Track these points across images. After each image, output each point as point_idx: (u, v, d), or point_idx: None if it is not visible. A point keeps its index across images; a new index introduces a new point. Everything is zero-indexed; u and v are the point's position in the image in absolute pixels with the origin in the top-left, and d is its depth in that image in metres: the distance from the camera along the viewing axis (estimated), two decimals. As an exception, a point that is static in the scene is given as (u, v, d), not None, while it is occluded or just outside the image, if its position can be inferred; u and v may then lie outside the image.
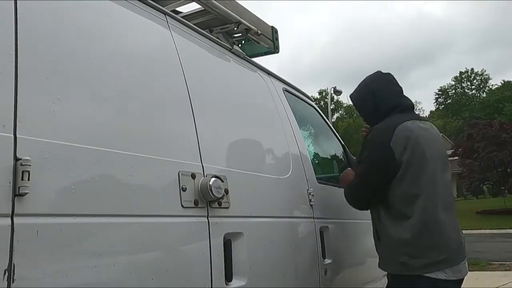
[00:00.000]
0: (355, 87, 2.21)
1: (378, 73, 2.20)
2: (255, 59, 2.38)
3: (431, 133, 2.01)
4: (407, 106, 2.09)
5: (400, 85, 2.15)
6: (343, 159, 3.06)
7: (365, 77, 2.21)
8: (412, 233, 1.84)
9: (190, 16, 2.21)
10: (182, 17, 1.98)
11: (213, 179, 1.43)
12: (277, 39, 2.66)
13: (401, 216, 1.87)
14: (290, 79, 2.66)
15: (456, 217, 1.98)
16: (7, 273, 0.88)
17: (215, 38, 2.04)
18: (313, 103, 3.08)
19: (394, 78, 2.17)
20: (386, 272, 1.99)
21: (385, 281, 2.00)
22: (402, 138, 1.88)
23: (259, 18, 2.51)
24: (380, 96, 2.08)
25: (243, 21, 2.25)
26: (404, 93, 2.14)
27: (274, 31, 2.66)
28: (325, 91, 47.77)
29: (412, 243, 1.84)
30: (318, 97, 49.58)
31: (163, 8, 1.69)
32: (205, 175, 1.46)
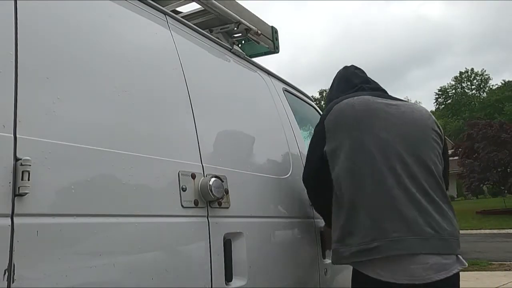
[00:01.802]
0: None
1: (340, 70, 2.12)
2: (255, 59, 2.38)
3: (398, 111, 1.75)
4: (369, 88, 1.91)
5: (365, 74, 2.04)
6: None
7: None
8: (344, 214, 1.64)
9: (190, 16, 2.21)
10: (182, 17, 1.98)
11: (213, 179, 1.43)
12: (277, 39, 2.66)
13: (338, 201, 1.71)
14: (290, 79, 2.66)
15: (428, 200, 1.61)
16: (7, 273, 0.88)
17: (215, 38, 2.04)
18: (313, 103, 3.08)
19: (356, 69, 2.07)
20: None
21: None
22: (337, 114, 1.74)
23: (259, 18, 2.51)
24: (336, 91, 2.02)
25: (243, 21, 2.25)
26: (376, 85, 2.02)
27: (274, 31, 2.66)
28: (325, 91, 47.80)
29: (343, 226, 1.65)
30: (318, 97, 49.63)
31: (163, 8, 1.69)
32: (205, 175, 1.46)
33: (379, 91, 1.90)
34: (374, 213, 1.59)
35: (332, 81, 2.13)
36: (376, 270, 1.56)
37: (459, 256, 1.62)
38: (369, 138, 1.67)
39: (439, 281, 1.52)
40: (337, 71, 2.13)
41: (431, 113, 1.86)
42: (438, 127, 1.81)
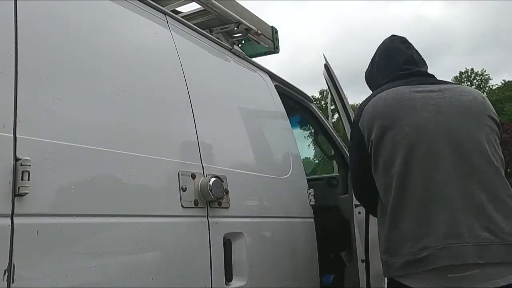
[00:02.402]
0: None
1: (385, 40, 1.81)
2: (255, 59, 2.38)
3: (442, 98, 1.51)
4: (408, 74, 1.64)
5: (411, 50, 1.72)
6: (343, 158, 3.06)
7: None
8: (389, 221, 1.45)
9: (190, 16, 2.21)
10: (182, 17, 1.98)
11: (213, 179, 1.43)
12: (277, 39, 2.66)
13: (383, 208, 1.52)
14: (289, 80, 2.66)
15: (489, 198, 1.35)
16: (7, 273, 0.88)
17: (215, 38, 2.04)
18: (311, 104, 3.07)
19: (403, 43, 1.75)
20: None
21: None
22: (369, 113, 1.53)
23: (259, 18, 2.52)
24: (377, 68, 1.77)
25: (243, 21, 2.25)
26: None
27: (274, 31, 2.66)
28: (325, 91, 47.79)
29: (388, 235, 1.45)
30: (319, 97, 49.59)
31: (163, 8, 1.69)
32: (205, 175, 1.46)
33: (421, 76, 1.64)
34: (420, 217, 1.38)
35: (375, 52, 1.84)
36: (412, 276, 1.38)
37: None
38: (409, 134, 1.45)
39: None
40: (382, 41, 1.82)
41: (485, 96, 1.59)
42: (494, 112, 1.55)
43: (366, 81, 1.89)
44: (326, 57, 2.30)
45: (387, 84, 1.63)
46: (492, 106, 1.56)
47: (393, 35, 1.82)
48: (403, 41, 1.77)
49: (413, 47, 1.76)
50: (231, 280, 1.49)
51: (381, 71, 1.74)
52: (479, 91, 1.63)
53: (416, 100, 1.50)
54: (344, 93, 2.24)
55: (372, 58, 1.84)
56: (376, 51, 1.82)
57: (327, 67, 2.26)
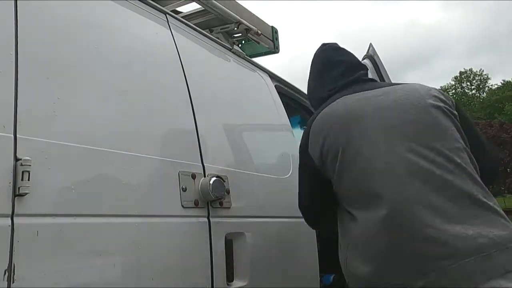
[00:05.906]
0: None
1: (315, 54, 1.68)
2: (255, 59, 2.38)
3: (381, 100, 1.37)
4: (346, 84, 1.51)
5: (342, 57, 1.59)
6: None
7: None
8: (349, 237, 1.35)
9: (190, 16, 2.21)
10: (182, 17, 1.98)
11: (214, 179, 1.43)
12: (277, 39, 2.66)
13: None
14: (289, 80, 2.66)
15: (462, 205, 1.18)
16: (7, 273, 0.88)
17: (215, 38, 2.04)
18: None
19: (332, 51, 1.63)
20: None
21: None
22: (317, 130, 1.41)
23: (259, 18, 2.52)
24: (312, 86, 1.66)
25: (243, 21, 2.25)
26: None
27: (274, 31, 2.66)
28: (325, 92, 47.65)
29: (349, 250, 1.35)
30: (318, 97, 49.57)
31: (163, 8, 1.69)
32: (205, 175, 1.46)
33: (357, 84, 1.51)
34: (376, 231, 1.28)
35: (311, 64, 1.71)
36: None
37: None
38: (357, 143, 1.33)
39: None
40: (315, 52, 1.70)
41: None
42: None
43: (310, 99, 1.74)
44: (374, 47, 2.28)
45: (329, 100, 1.49)
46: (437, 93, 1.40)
47: (323, 44, 1.69)
48: (328, 49, 1.65)
49: (348, 52, 1.64)
50: (232, 280, 1.49)
51: (317, 91, 1.61)
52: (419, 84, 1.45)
53: (362, 106, 1.37)
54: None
55: (308, 79, 1.69)
56: (310, 74, 1.69)
57: (372, 57, 2.20)
